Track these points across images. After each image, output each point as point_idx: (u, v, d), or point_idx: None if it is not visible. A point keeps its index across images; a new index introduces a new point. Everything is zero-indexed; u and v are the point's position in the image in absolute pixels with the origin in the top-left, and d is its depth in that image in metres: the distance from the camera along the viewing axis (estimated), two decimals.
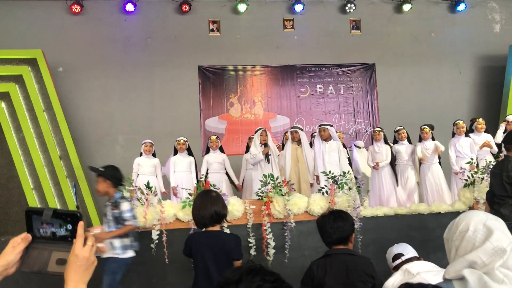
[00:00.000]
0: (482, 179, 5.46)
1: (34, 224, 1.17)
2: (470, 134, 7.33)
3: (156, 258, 4.73)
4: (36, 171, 7.82)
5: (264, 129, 6.89)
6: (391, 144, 7.54)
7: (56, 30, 9.43)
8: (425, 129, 7.26)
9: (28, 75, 8.05)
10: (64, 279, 1.12)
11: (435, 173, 7.16)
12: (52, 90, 8.14)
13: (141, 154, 7.24)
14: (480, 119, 7.51)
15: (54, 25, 9.43)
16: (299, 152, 6.64)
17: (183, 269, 4.71)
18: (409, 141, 7.46)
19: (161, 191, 7.07)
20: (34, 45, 8.49)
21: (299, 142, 6.70)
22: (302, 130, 6.87)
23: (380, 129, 7.56)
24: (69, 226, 1.17)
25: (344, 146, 7.85)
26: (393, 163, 7.36)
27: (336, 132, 7.98)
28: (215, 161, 7.28)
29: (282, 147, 7.51)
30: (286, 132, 7.81)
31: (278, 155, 7.11)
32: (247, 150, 7.77)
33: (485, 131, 7.51)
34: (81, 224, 1.16)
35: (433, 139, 7.26)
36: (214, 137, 7.49)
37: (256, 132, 6.93)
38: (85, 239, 1.16)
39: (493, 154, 7.08)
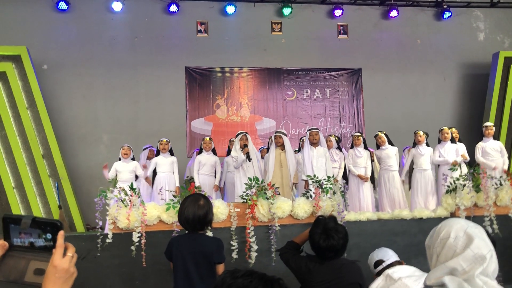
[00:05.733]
0: (464, 185, 5.52)
1: (11, 233, 1.11)
2: (438, 145, 7.28)
3: (138, 260, 4.69)
4: (18, 170, 7.70)
5: (245, 133, 6.84)
6: (371, 150, 7.54)
7: (42, 27, 9.31)
8: (418, 133, 7.19)
9: (12, 72, 7.92)
10: None
11: (426, 178, 7.12)
12: (36, 87, 8.03)
13: (119, 159, 6.95)
14: (446, 128, 7.37)
15: (39, 22, 9.31)
16: (282, 157, 6.64)
17: (165, 271, 4.67)
18: (391, 144, 7.34)
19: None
20: (19, 42, 8.37)
21: (282, 147, 6.70)
22: (286, 135, 6.86)
23: (359, 134, 7.47)
24: (49, 236, 1.11)
25: (340, 149, 7.79)
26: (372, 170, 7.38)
27: (330, 135, 7.96)
28: (208, 162, 7.20)
29: (267, 150, 7.50)
30: (272, 136, 7.81)
31: (263, 158, 7.10)
32: (229, 152, 7.74)
33: (458, 141, 7.50)
34: (61, 234, 1.10)
35: (427, 145, 7.25)
36: (207, 138, 7.44)
37: (237, 136, 6.90)
38: (65, 249, 1.11)
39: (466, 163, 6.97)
